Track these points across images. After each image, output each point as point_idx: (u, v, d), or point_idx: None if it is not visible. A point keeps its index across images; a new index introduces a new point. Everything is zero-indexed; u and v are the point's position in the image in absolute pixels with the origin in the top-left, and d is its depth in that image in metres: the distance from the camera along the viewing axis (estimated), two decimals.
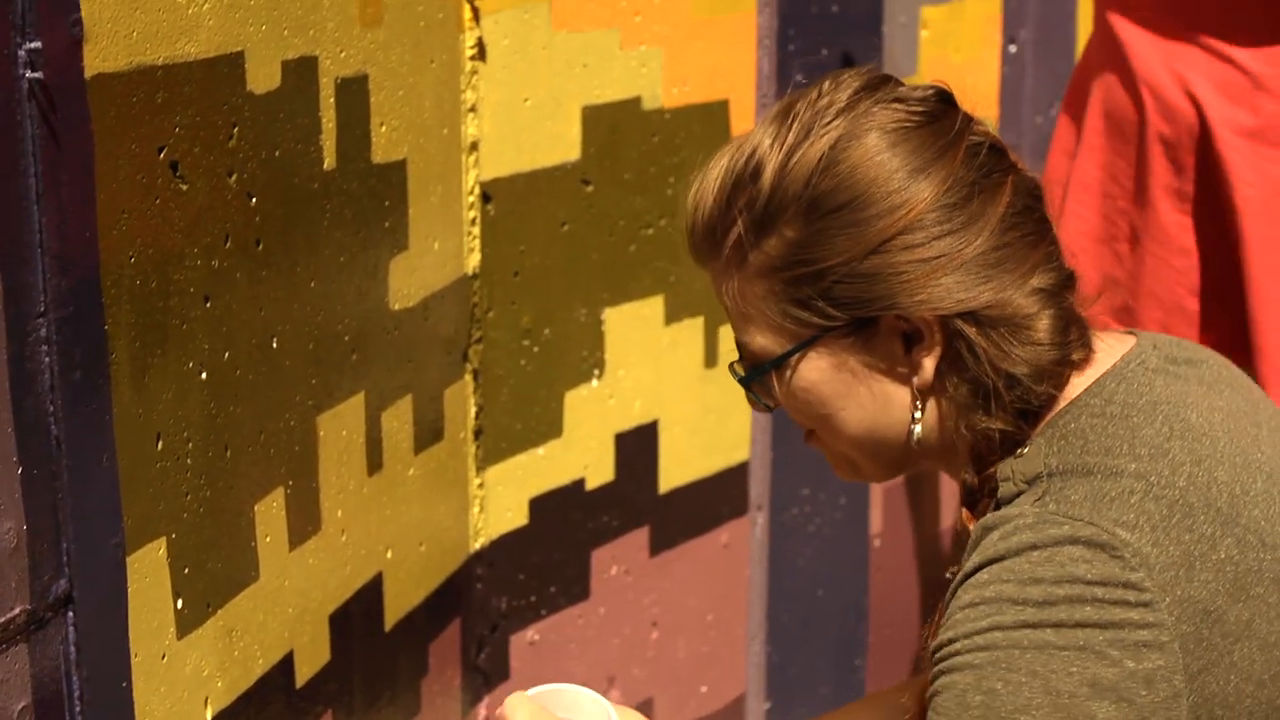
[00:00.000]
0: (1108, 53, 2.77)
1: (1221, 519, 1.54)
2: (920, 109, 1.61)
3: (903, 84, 1.65)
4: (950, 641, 1.53)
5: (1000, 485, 1.59)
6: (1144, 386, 1.61)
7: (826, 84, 1.63)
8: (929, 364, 1.60)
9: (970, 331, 1.58)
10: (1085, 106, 2.82)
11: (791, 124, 1.61)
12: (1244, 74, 2.64)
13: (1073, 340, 1.61)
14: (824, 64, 2.91)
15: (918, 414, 1.62)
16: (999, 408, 1.59)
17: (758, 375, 1.66)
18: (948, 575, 1.62)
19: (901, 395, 1.63)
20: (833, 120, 1.59)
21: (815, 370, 1.63)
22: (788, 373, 1.64)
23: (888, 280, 1.57)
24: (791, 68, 2.86)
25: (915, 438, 1.63)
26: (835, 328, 1.60)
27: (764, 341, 1.64)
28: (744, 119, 2.76)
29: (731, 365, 1.73)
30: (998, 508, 1.58)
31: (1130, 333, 1.69)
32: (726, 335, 2.78)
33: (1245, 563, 1.53)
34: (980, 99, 3.44)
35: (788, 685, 3.12)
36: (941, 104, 1.63)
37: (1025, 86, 3.53)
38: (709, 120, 2.70)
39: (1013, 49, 3.49)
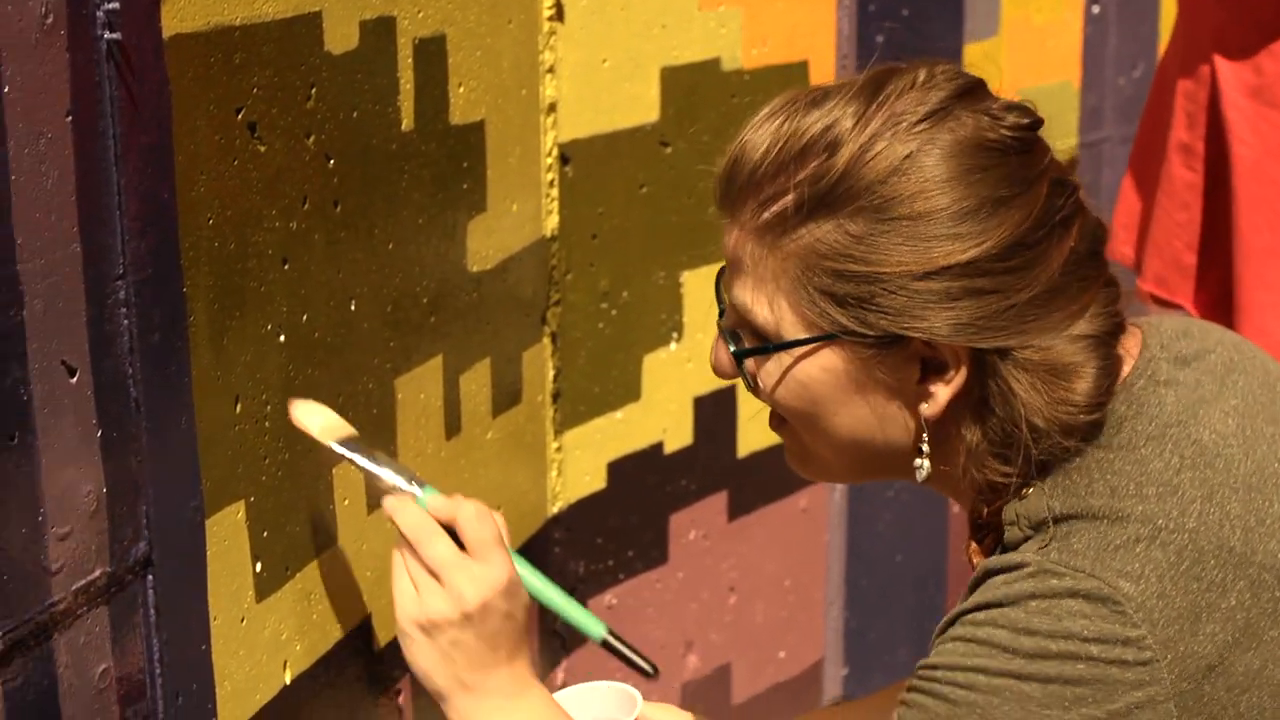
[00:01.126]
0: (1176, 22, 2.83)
1: (1234, 561, 1.47)
2: (1012, 134, 1.50)
3: (995, 96, 1.54)
4: (933, 667, 1.48)
5: (1006, 529, 1.52)
6: (1154, 408, 1.52)
7: (922, 75, 1.52)
8: (943, 396, 1.51)
9: (1005, 371, 1.49)
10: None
11: (878, 109, 1.49)
12: (1256, 32, 2.63)
13: (1107, 401, 1.51)
14: (904, 24, 2.88)
15: (924, 448, 1.54)
16: (1017, 456, 1.50)
17: (758, 352, 1.55)
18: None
19: (903, 417, 1.54)
20: (923, 121, 1.48)
21: (822, 369, 1.53)
22: (789, 359, 1.54)
23: (936, 305, 1.47)
24: (871, 28, 2.83)
25: (921, 473, 1.55)
26: (862, 335, 1.49)
27: (771, 318, 1.53)
28: (824, 79, 2.73)
29: (724, 329, 1.59)
30: (1004, 550, 1.52)
31: (1136, 325, 1.60)
32: None
33: (1258, 605, 1.47)
34: (1062, 61, 3.43)
35: (866, 651, 3.11)
36: (1033, 132, 1.53)
37: (1108, 48, 3.49)
38: (788, 81, 2.67)
39: (1095, 10, 3.45)
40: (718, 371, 1.62)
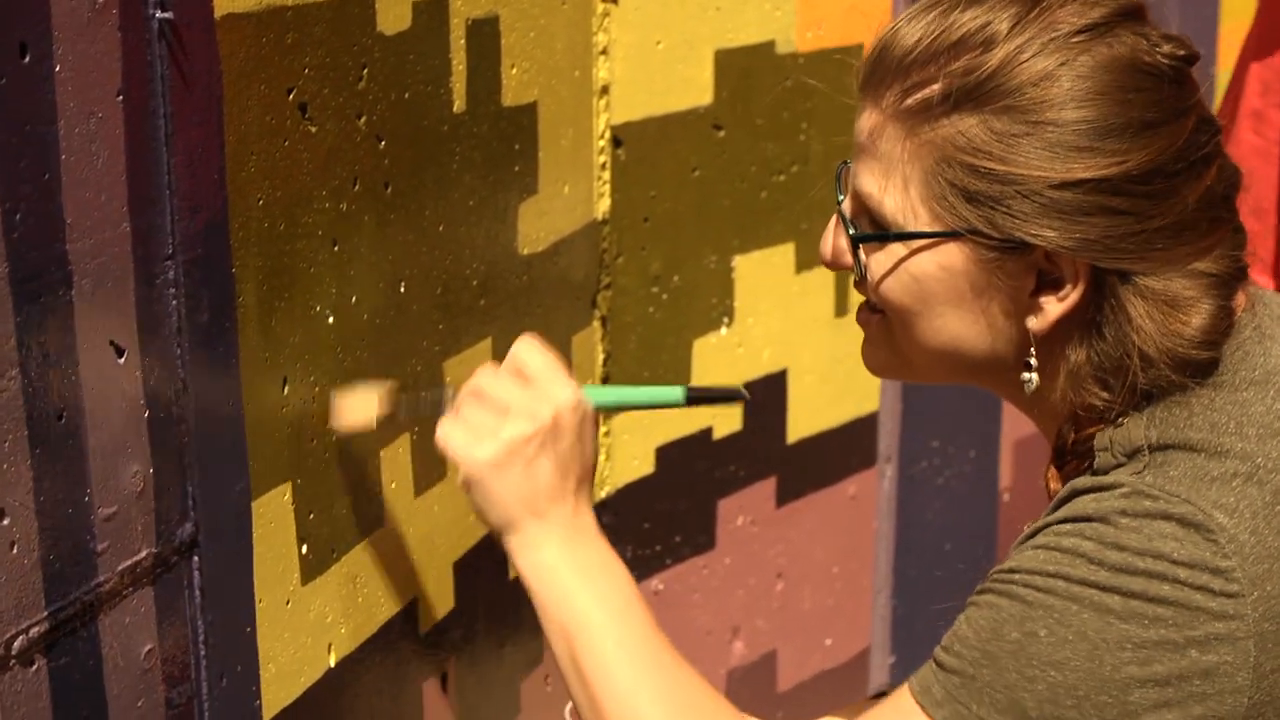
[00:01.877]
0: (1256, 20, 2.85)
1: None
2: (1168, 62, 1.49)
3: (1154, 25, 1.53)
4: (1011, 571, 1.46)
5: (1097, 455, 1.50)
6: (1259, 357, 1.52)
7: None
8: (1054, 312, 1.50)
9: (1124, 294, 1.48)
10: None
11: (1040, 14, 1.48)
12: None
13: (1221, 340, 1.51)
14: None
15: (1032, 361, 1.52)
16: (1121, 384, 1.50)
17: (879, 238, 1.53)
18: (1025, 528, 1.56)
19: (1007, 327, 1.52)
20: (1082, 33, 1.47)
21: (937, 265, 1.51)
22: (906, 251, 1.52)
23: (1068, 217, 1.46)
24: None
25: (1029, 386, 1.53)
26: (988, 235, 1.48)
27: (897, 209, 1.51)
28: None
29: (840, 212, 1.58)
30: (1093, 475, 1.51)
31: (1243, 289, 1.58)
32: None
33: None
34: None
35: (914, 640, 3.09)
36: (1188, 65, 1.52)
37: (1170, 27, 3.46)
38: (843, 65, 2.63)
39: None
40: (825, 257, 1.60)
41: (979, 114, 1.47)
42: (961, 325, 1.53)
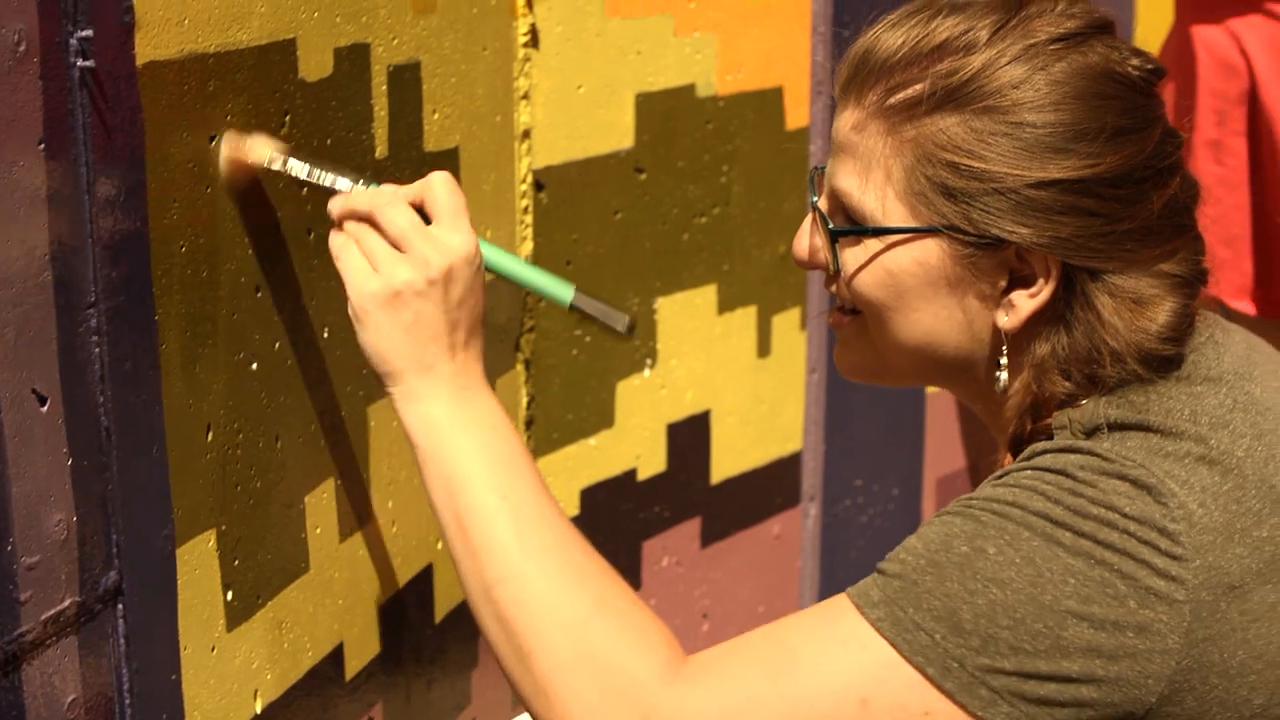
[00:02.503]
0: (1178, 21, 2.86)
1: (1274, 497, 1.51)
2: (1138, 74, 1.57)
3: (1123, 41, 1.60)
4: (970, 498, 1.50)
5: (1055, 433, 1.55)
6: (1213, 359, 1.58)
7: (1061, 5, 1.58)
8: (1026, 308, 1.55)
9: (1093, 291, 1.54)
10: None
11: (1018, 23, 1.55)
12: None
13: (1185, 337, 1.57)
14: None
15: (1003, 360, 1.58)
16: (1084, 377, 1.55)
17: (856, 232, 1.58)
18: None
19: (976, 324, 1.57)
20: (1058, 41, 1.54)
21: (914, 260, 1.56)
22: (882, 246, 1.57)
23: (1039, 215, 1.52)
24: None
25: (999, 384, 1.58)
26: (965, 232, 1.54)
27: (876, 204, 1.56)
28: (798, 106, 2.73)
29: (816, 208, 1.62)
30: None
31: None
32: (779, 325, 2.76)
33: None
34: None
35: None
36: (1156, 78, 1.59)
37: None
38: (763, 108, 2.67)
39: None
40: (800, 255, 1.65)
41: (960, 114, 1.53)
42: (935, 320, 1.59)
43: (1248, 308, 2.87)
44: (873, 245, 1.58)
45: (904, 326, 1.59)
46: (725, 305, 2.66)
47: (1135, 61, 1.58)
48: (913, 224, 1.56)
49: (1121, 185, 1.54)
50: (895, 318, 1.59)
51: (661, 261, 2.54)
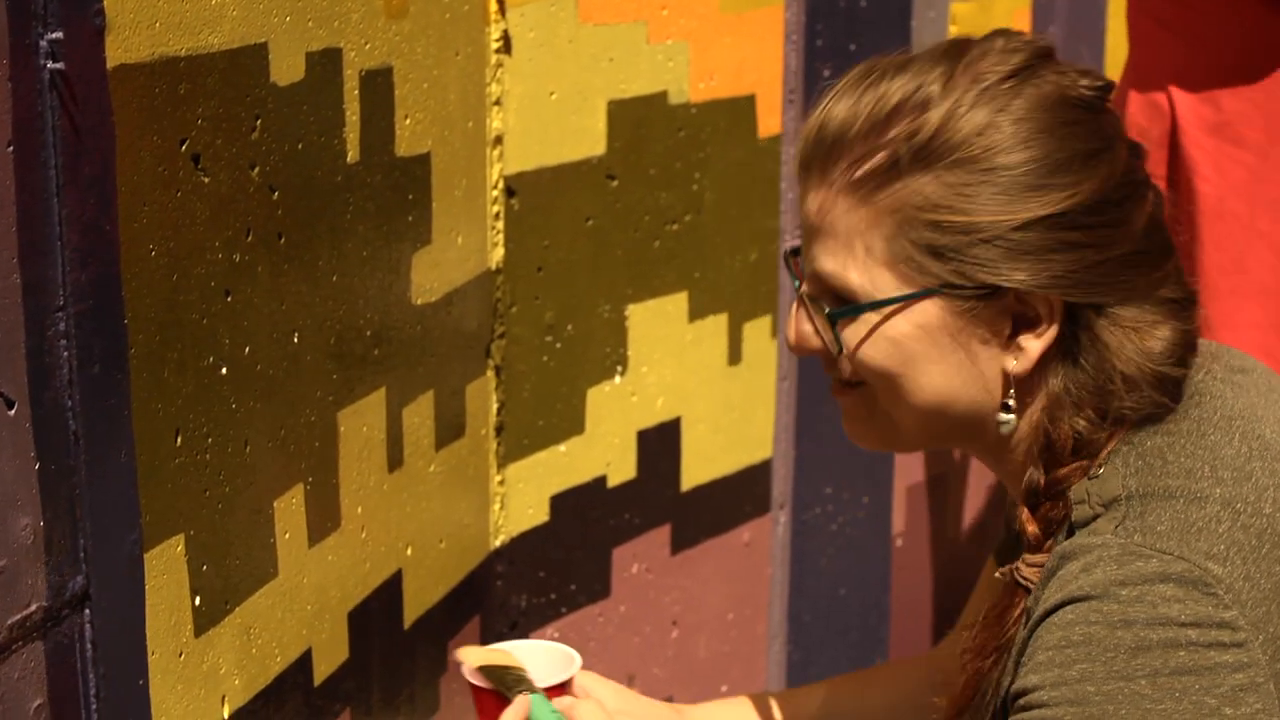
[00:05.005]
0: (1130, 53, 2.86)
1: None
2: (1091, 94, 1.55)
3: (1065, 63, 1.59)
4: (1037, 688, 1.46)
5: (1074, 508, 1.52)
6: (1217, 399, 1.56)
7: (1000, 41, 1.56)
8: (1035, 350, 1.53)
9: (1100, 325, 1.52)
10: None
11: (965, 69, 1.53)
12: (1218, 71, 2.65)
13: (1191, 356, 1.56)
14: (851, 59, 2.89)
15: (1010, 403, 1.55)
16: (1097, 409, 1.53)
17: (852, 311, 1.55)
18: (998, 575, 1.55)
19: (992, 374, 1.55)
20: (1009, 79, 1.52)
21: (913, 324, 1.54)
22: (879, 318, 1.54)
23: (1032, 256, 1.50)
24: (818, 63, 2.84)
25: (1006, 428, 1.56)
26: (961, 287, 1.52)
27: (869, 277, 1.54)
28: (770, 114, 2.73)
29: (806, 297, 1.60)
30: (1071, 532, 1.52)
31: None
32: (750, 332, 2.76)
33: None
34: None
35: (808, 684, 3.10)
36: (1107, 94, 1.58)
37: None
38: (736, 115, 2.68)
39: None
40: (796, 344, 1.62)
41: (930, 172, 1.51)
42: (944, 379, 1.56)
43: None
44: (870, 319, 1.55)
45: (915, 390, 1.57)
46: (696, 312, 2.66)
47: (1085, 81, 1.56)
48: (906, 290, 1.53)
49: (1104, 210, 1.52)
50: (905, 384, 1.57)
51: (633, 268, 2.54)
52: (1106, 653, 1.44)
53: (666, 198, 2.57)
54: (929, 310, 1.54)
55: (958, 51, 1.55)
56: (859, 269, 1.54)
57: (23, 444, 1.44)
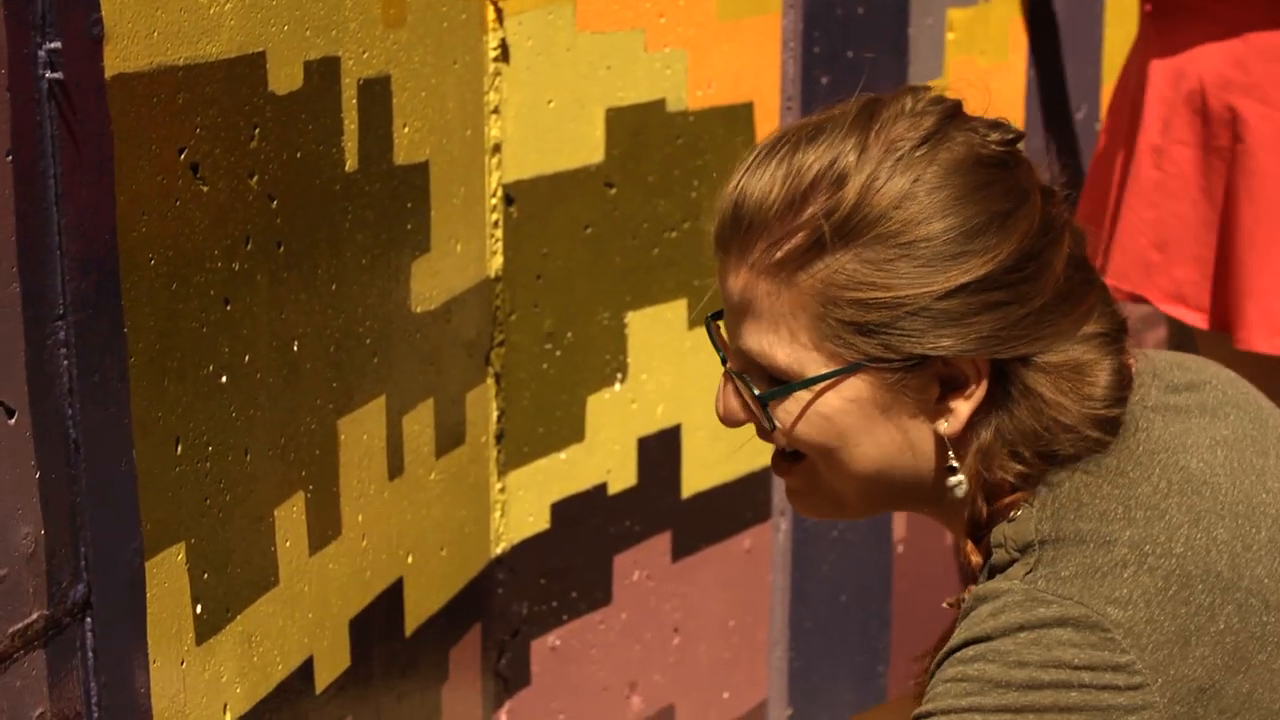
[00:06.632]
0: (1139, 40, 2.98)
1: (1221, 585, 1.48)
2: (1001, 150, 1.54)
3: (974, 117, 1.57)
4: (928, 715, 1.48)
5: (994, 551, 1.53)
6: (1142, 433, 1.55)
7: (909, 102, 1.54)
8: (964, 411, 1.53)
9: (1027, 375, 1.52)
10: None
11: (877, 137, 1.51)
12: (1238, 36, 2.78)
13: (1127, 393, 1.55)
14: (849, 66, 2.89)
15: (954, 464, 1.55)
16: (1034, 454, 1.53)
17: (781, 393, 1.55)
18: (945, 604, 1.57)
19: (925, 439, 1.55)
20: (922, 145, 1.51)
21: (843, 399, 1.53)
22: (810, 395, 1.54)
23: (958, 322, 1.50)
24: (816, 70, 2.84)
25: (958, 490, 1.55)
26: (888, 360, 1.51)
27: (792, 357, 1.53)
28: (768, 121, 2.74)
29: (734, 374, 1.59)
30: (991, 574, 1.53)
31: (1129, 353, 1.62)
32: None
33: (1247, 630, 1.48)
34: (1007, 103, 3.46)
35: (810, 692, 3.10)
36: (1016, 145, 1.57)
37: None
38: (733, 123, 2.68)
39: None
40: (726, 419, 1.61)
41: (850, 249, 1.50)
42: (879, 449, 1.56)
43: (1181, 314, 2.90)
44: (802, 396, 1.54)
45: (852, 461, 1.56)
46: (696, 320, 2.66)
47: (994, 136, 1.55)
48: (834, 367, 1.52)
49: (1025, 266, 1.51)
50: (841, 456, 1.56)
51: (632, 276, 2.54)
52: (998, 689, 1.45)
53: (665, 205, 2.57)
54: (857, 385, 1.53)
55: (868, 116, 1.53)
56: (785, 350, 1.53)
57: (23, 453, 1.44)
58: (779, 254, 1.51)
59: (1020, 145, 1.57)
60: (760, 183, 1.53)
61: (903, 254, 1.49)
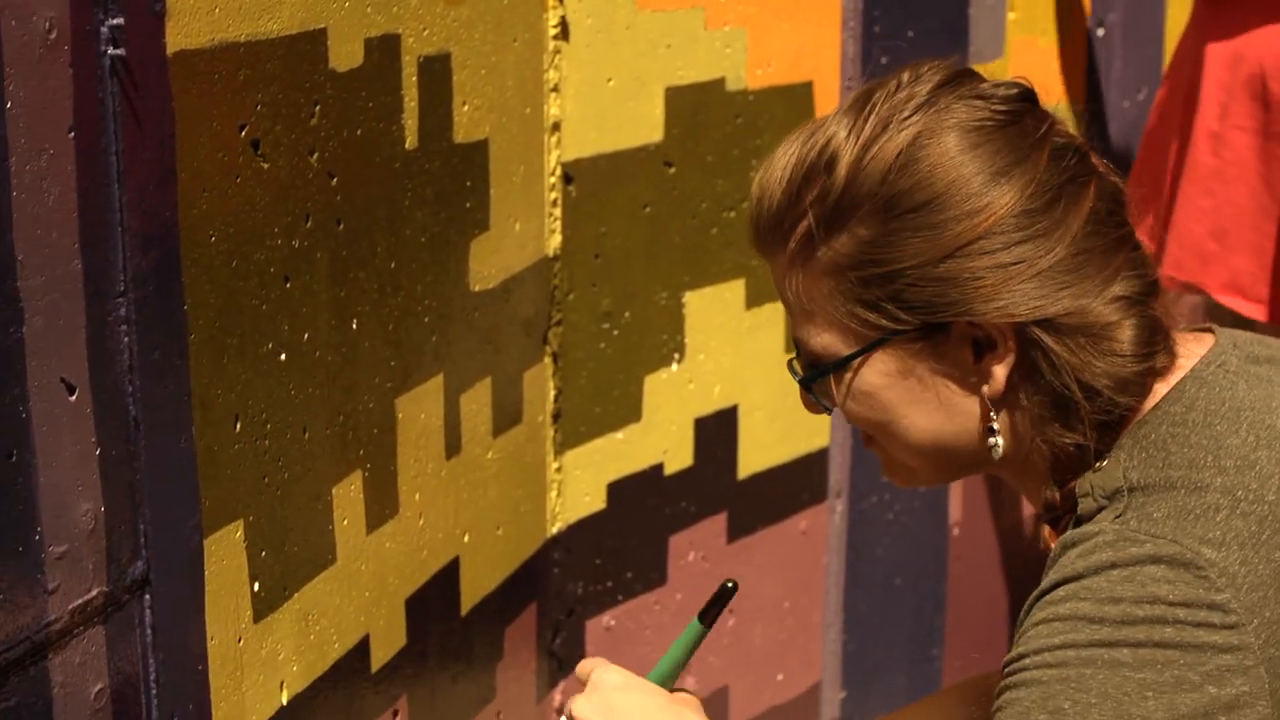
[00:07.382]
0: (1194, 16, 2.95)
1: None
2: (1003, 108, 1.54)
3: (984, 79, 1.58)
4: (1020, 657, 1.47)
5: (1080, 501, 1.52)
6: (1226, 391, 1.54)
7: (905, 76, 1.56)
8: (1000, 373, 1.53)
9: (1047, 340, 1.51)
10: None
11: (868, 115, 1.54)
12: None
13: (1157, 349, 1.55)
14: (909, 45, 2.87)
15: (995, 426, 1.56)
16: (1077, 420, 1.53)
17: (818, 376, 1.60)
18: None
19: (970, 405, 1.56)
20: (911, 115, 1.53)
21: (879, 374, 1.56)
22: (849, 375, 1.57)
23: (963, 286, 1.50)
24: (876, 49, 2.83)
25: (996, 451, 1.56)
26: (904, 332, 1.53)
27: (826, 340, 1.57)
28: (828, 101, 2.72)
29: (790, 362, 1.66)
30: (1078, 524, 1.52)
31: (1209, 329, 1.62)
32: None
33: None
34: (1068, 83, 3.43)
35: (864, 674, 3.10)
36: (1024, 103, 1.56)
37: (1113, 70, 3.48)
38: (793, 102, 2.66)
39: (1100, 32, 3.44)
40: (814, 410, 1.66)
41: (846, 229, 1.53)
42: (929, 419, 1.58)
43: (1238, 305, 2.87)
44: (842, 377, 1.58)
45: (905, 434, 1.59)
46: (753, 300, 2.65)
47: (999, 94, 1.55)
48: (856, 346, 1.56)
49: (1026, 225, 1.51)
50: (896, 430, 1.59)
51: (690, 256, 2.53)
52: (1091, 624, 1.45)
53: (724, 185, 2.56)
54: (887, 359, 1.56)
55: (865, 97, 1.56)
56: (816, 334, 1.58)
57: (83, 430, 1.44)
58: (792, 245, 1.57)
59: (1029, 101, 1.57)
60: (770, 181, 1.58)
61: (894, 226, 1.51)
